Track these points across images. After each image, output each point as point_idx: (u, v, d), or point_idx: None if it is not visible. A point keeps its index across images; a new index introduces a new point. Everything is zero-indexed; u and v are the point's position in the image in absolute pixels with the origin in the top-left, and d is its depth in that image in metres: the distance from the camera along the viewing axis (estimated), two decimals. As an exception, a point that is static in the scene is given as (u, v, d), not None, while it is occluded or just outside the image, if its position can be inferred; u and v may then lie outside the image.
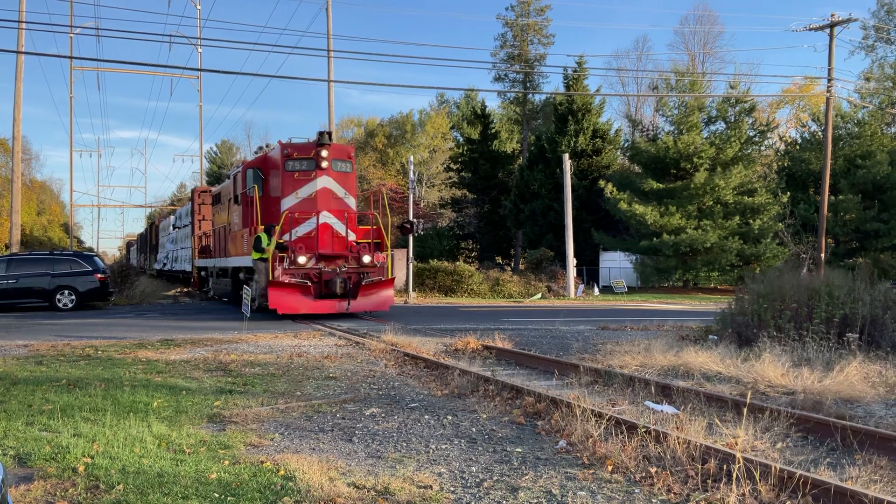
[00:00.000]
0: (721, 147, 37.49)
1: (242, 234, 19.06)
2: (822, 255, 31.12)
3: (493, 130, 51.50)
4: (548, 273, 34.59)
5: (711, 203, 37.35)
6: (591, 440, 5.77)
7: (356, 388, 8.58)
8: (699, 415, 6.59)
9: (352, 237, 18.00)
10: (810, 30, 30.62)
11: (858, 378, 8.50)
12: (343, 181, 18.29)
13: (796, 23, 40.61)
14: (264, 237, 16.82)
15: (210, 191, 27.83)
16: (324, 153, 17.76)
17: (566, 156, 34.78)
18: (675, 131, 38.76)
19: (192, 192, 30.56)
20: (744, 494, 4.60)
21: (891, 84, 45.10)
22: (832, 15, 29.90)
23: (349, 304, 17.27)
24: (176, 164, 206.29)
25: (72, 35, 38.33)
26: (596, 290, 35.78)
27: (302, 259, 17.02)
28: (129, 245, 76.33)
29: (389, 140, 65.47)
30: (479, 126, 51.31)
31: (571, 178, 34.93)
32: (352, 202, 18.55)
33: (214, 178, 67.51)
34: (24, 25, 26.34)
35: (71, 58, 37.85)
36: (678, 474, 5.03)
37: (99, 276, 22.45)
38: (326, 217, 17.67)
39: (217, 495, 4.62)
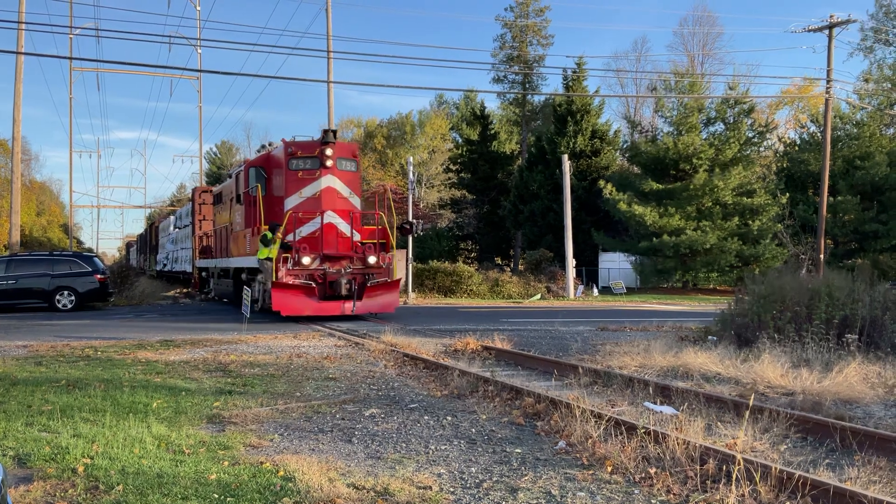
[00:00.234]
0: (720, 148, 37.51)
1: (245, 235, 18.80)
2: (821, 256, 31.12)
3: (493, 131, 51.52)
4: (547, 274, 34.59)
5: (710, 204, 37.37)
6: (590, 441, 5.77)
7: (356, 388, 8.58)
8: (698, 415, 6.59)
9: (357, 237, 17.64)
10: (809, 31, 30.65)
11: (858, 379, 8.51)
12: (348, 180, 17.92)
13: (795, 24, 40.61)
14: (268, 234, 16.52)
15: (211, 190, 27.63)
16: (328, 151, 17.36)
17: (565, 156, 34.79)
18: (675, 132, 38.79)
19: (193, 191, 30.51)
20: (743, 495, 4.61)
21: (889, 85, 45.13)
22: (831, 16, 29.92)
23: (354, 305, 16.94)
24: (175, 165, 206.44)
25: (71, 36, 38.37)
26: (595, 290, 35.79)
27: (306, 260, 16.70)
28: (128, 246, 76.32)
29: (388, 141, 65.52)
30: (478, 127, 51.32)
31: (571, 179, 34.96)
32: (357, 202, 18.19)
33: (214, 178, 67.50)
34: (23, 26, 26.34)
35: (70, 58, 37.85)
36: (677, 475, 5.04)
37: (98, 276, 22.45)
38: (331, 217, 17.31)
39: (216, 496, 4.62)
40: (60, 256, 23.52)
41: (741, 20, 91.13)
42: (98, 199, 70.68)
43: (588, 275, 39.47)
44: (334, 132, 18.09)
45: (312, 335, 14.34)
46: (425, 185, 55.69)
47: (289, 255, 16.69)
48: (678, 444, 5.32)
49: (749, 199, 37.27)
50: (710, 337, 12.52)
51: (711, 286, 40.54)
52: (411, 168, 31.52)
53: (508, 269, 41.81)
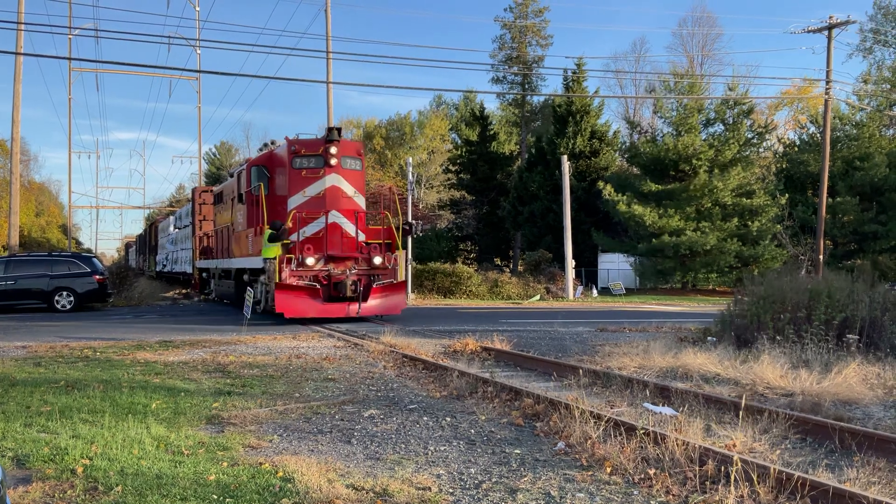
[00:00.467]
0: (720, 149, 37.53)
1: (247, 235, 18.51)
2: (821, 257, 31.14)
3: (492, 132, 51.54)
4: (546, 275, 34.58)
5: (710, 205, 37.38)
6: (589, 442, 5.77)
7: (355, 389, 8.57)
8: (698, 416, 6.60)
9: (362, 237, 17.34)
10: (808, 32, 30.66)
11: (857, 380, 8.51)
12: (352, 179, 17.55)
13: (794, 25, 40.73)
14: (270, 231, 16.18)
15: (211, 190, 27.47)
16: (333, 150, 16.98)
17: (565, 157, 34.80)
18: (674, 133, 38.81)
19: (193, 191, 30.43)
20: (742, 496, 4.61)
21: (888, 86, 45.16)
22: (830, 17, 29.95)
23: (360, 307, 16.55)
24: (175, 166, 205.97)
25: (70, 36, 38.36)
26: (594, 291, 35.79)
27: (310, 260, 16.31)
28: (127, 246, 76.32)
29: (388, 142, 65.55)
30: (477, 127, 51.34)
31: (570, 180, 34.95)
32: (361, 201, 17.86)
33: (213, 179, 67.49)
34: (22, 27, 26.34)
35: (70, 59, 37.85)
36: (677, 476, 5.04)
37: (97, 277, 22.44)
38: (335, 217, 16.97)
39: (216, 497, 4.62)
40: (59, 257, 23.53)
41: (740, 21, 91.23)
42: (97, 199, 70.69)
43: (587, 276, 39.47)
44: (339, 130, 17.67)
45: (311, 336, 14.33)
46: (424, 185, 55.71)
47: (292, 255, 16.37)
48: (677, 444, 5.32)
49: (748, 200, 37.29)
50: (709, 338, 12.51)
51: (711, 287, 40.54)
52: (410, 169, 31.54)
53: (508, 270, 41.82)
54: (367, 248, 17.25)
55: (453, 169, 53.50)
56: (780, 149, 46.82)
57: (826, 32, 30.13)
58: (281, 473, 5.06)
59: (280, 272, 16.14)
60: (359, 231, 17.30)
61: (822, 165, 31.63)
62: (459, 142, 54.31)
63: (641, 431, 5.69)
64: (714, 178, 36.72)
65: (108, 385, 8.43)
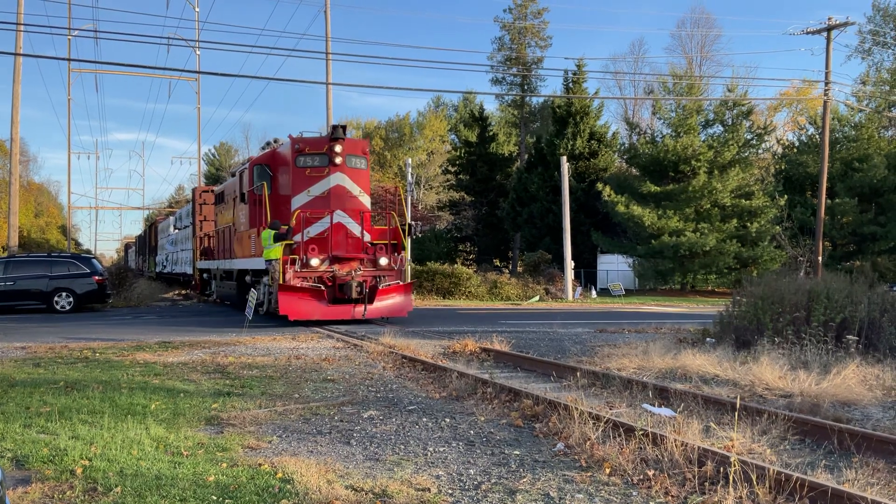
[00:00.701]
0: (719, 150, 37.57)
1: (249, 235, 18.18)
2: (820, 258, 31.16)
3: (491, 133, 51.57)
4: (546, 276, 34.58)
5: (709, 206, 37.42)
6: (588, 443, 5.77)
7: (354, 390, 8.58)
8: (696, 417, 6.60)
9: (367, 238, 16.96)
10: (807, 33, 30.68)
11: (856, 381, 8.52)
12: (358, 178, 17.12)
13: (793, 26, 40.73)
14: (270, 233, 15.92)
15: (212, 190, 27.15)
16: (337, 148, 16.54)
17: (564, 158, 34.80)
18: (673, 134, 38.84)
19: (193, 191, 30.29)
20: (741, 497, 4.61)
21: (887, 88, 45.22)
22: (829, 19, 29.97)
23: (365, 309, 16.20)
24: (174, 167, 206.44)
25: (70, 37, 38.35)
26: (594, 292, 35.79)
27: (314, 261, 15.97)
28: (127, 247, 76.24)
29: (387, 143, 65.59)
30: (476, 128, 51.37)
31: (569, 181, 34.97)
32: (367, 200, 17.42)
33: (212, 180, 67.52)
34: (22, 28, 26.34)
35: (69, 60, 37.81)
36: (675, 477, 5.04)
37: (97, 278, 22.42)
38: (340, 216, 16.57)
39: (215, 498, 4.62)
40: (59, 258, 23.52)
41: (739, 22, 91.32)
42: (96, 200, 70.77)
43: (587, 277, 39.49)
44: (343, 128, 17.09)
45: (311, 337, 14.32)
46: (424, 186, 55.75)
47: (296, 255, 16.08)
48: (676, 445, 5.33)
49: (747, 201, 37.32)
50: (708, 339, 12.52)
51: (710, 288, 40.56)
52: (409, 169, 31.57)
53: (507, 271, 41.83)
54: (372, 248, 16.93)
55: (452, 170, 53.51)
56: (779, 150, 46.88)
57: (825, 34, 30.17)
58: (280, 474, 5.06)
59: (283, 273, 15.83)
60: (364, 231, 16.94)
61: (821, 167, 31.66)
62: (459, 143, 54.35)
63: (640, 432, 5.69)
64: (713, 180, 36.75)
65: (108, 386, 8.43)
